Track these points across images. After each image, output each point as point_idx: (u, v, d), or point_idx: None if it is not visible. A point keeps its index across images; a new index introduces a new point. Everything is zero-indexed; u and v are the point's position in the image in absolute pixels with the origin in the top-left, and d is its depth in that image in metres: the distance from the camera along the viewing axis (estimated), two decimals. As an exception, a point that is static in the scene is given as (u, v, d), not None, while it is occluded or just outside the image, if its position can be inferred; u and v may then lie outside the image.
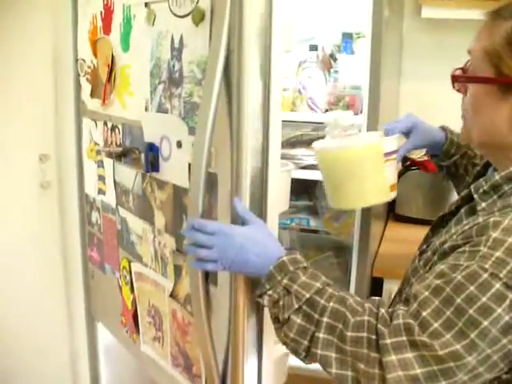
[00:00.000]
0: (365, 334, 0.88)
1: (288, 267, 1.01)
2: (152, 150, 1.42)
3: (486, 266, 0.83)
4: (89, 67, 1.70)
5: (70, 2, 1.70)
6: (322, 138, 1.58)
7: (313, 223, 2.30)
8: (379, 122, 1.64)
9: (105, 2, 1.55)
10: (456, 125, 1.17)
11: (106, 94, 1.58)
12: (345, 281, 1.97)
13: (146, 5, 1.38)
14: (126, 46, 1.50)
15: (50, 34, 1.75)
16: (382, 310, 0.91)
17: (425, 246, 1.14)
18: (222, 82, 1.14)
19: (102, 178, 1.73)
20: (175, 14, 1.28)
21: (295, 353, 0.99)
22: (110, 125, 1.63)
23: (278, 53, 1.21)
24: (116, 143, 1.61)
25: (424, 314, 0.85)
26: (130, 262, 1.64)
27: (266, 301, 1.02)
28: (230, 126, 1.18)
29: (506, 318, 0.81)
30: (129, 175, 1.57)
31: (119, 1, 1.50)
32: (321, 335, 0.92)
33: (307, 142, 1.94)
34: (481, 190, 1.01)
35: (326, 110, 2.09)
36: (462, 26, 1.74)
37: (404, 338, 0.85)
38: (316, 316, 0.93)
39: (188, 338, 1.44)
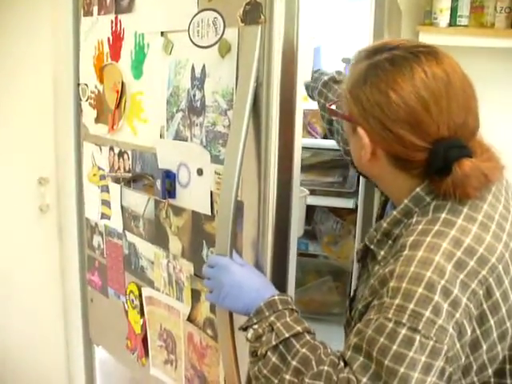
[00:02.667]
0: (321, 383, 0.90)
1: (277, 305, 1.04)
2: (169, 176, 1.44)
3: (389, 316, 0.86)
4: (92, 92, 1.70)
5: (71, 26, 1.70)
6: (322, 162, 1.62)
7: (311, 248, 2.34)
8: None
9: (113, 28, 1.56)
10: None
11: (114, 120, 1.58)
12: (343, 305, 2.01)
13: (162, 34, 1.40)
14: (137, 73, 1.51)
15: (50, 59, 1.74)
16: (342, 364, 0.92)
17: (353, 293, 1.20)
18: (251, 114, 1.18)
19: (106, 203, 1.73)
20: (197, 45, 1.30)
21: None
22: (117, 150, 1.64)
23: (301, 85, 1.26)
24: (124, 169, 1.61)
25: (353, 369, 0.88)
26: (139, 287, 1.64)
27: (250, 334, 1.04)
28: (258, 157, 1.22)
29: (422, 358, 0.84)
30: (139, 200, 1.58)
31: (130, 28, 1.51)
32: (287, 377, 0.94)
33: (306, 168, 1.98)
34: (375, 241, 1.04)
35: (325, 135, 2.13)
36: (457, 52, 1.81)
37: None
38: (288, 358, 0.95)
39: (205, 361, 1.47)
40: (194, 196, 1.39)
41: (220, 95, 1.28)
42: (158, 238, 1.54)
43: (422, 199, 0.98)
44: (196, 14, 1.28)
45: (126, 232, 1.67)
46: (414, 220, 0.97)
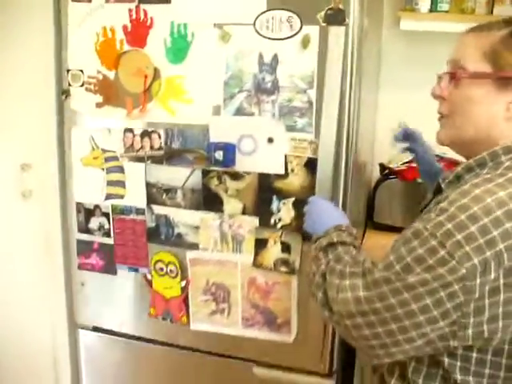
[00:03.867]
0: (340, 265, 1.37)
1: (342, 228, 1.49)
2: (227, 148, 2.19)
3: (428, 227, 1.14)
4: (93, 77, 2.20)
5: (51, 11, 2.14)
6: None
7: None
8: (359, 132, 2.14)
9: (133, 16, 2.11)
10: (433, 133, 1.46)
11: (143, 103, 2.18)
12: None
13: (215, 25, 2.09)
14: (176, 58, 2.05)
15: (31, 45, 2.15)
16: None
17: None
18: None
19: (117, 183, 2.30)
20: (266, 37, 2.04)
21: (314, 283, 1.43)
22: (138, 131, 2.24)
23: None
24: (152, 147, 2.24)
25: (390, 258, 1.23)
26: (174, 254, 2.34)
27: (316, 244, 1.51)
28: (339, 124, 2.08)
29: (439, 270, 1.11)
30: (176, 174, 2.25)
31: (160, 17, 2.09)
32: (322, 266, 1.42)
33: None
34: (447, 181, 1.32)
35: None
36: (438, 38, 2.22)
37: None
38: (329, 254, 1.43)
39: (272, 296, 2.30)
40: (262, 161, 1.97)
41: (298, 78, 2.06)
42: (207, 203, 2.12)
43: (498, 156, 1.24)
44: (263, 12, 2.02)
45: (153, 206, 2.19)
46: (485, 171, 1.23)
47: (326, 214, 1.62)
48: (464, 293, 1.10)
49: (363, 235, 2.56)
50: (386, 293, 1.18)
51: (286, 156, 1.90)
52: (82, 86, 2.01)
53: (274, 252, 2.00)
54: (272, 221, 2.03)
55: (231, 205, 2.00)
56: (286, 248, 2.04)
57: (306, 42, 1.81)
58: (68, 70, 2.01)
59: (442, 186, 1.34)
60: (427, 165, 1.90)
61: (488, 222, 1.09)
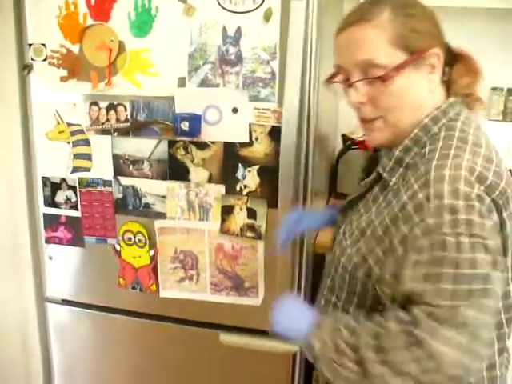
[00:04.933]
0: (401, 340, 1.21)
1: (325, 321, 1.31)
2: (193, 119, 2.30)
3: (447, 231, 1.13)
4: (56, 52, 2.26)
5: None
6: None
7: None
8: (322, 101, 2.15)
9: None
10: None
11: (109, 76, 2.26)
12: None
13: None
14: (140, 32, 2.16)
15: None
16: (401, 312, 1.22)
17: (342, 231, 1.46)
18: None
19: (83, 156, 2.38)
20: (230, 10, 2.14)
21: None
22: (104, 104, 2.32)
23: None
24: (118, 119, 2.32)
25: (427, 300, 1.16)
26: (141, 224, 2.43)
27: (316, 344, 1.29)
28: (301, 94, 2.21)
29: (488, 257, 1.14)
30: (143, 146, 2.34)
31: None
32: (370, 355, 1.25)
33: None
34: (387, 169, 1.33)
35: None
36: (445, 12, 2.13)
37: None
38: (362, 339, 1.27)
39: (239, 261, 2.45)
40: (227, 130, 2.15)
41: (261, 49, 2.17)
42: (173, 173, 2.25)
43: (429, 127, 1.28)
44: (227, -15, 2.09)
45: (120, 177, 2.28)
46: (427, 149, 1.25)
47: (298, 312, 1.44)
48: (502, 259, 1.20)
49: (326, 205, 2.67)
50: (476, 315, 1.14)
51: (250, 125, 2.02)
52: (45, 60, 2.08)
53: (240, 218, 2.13)
54: (238, 188, 2.16)
55: (197, 174, 2.11)
56: (251, 214, 2.17)
57: (268, 15, 1.94)
58: (30, 45, 2.06)
59: (384, 174, 1.37)
60: (325, 220, 1.85)
61: (478, 192, 1.16)
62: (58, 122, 2.13)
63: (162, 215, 2.19)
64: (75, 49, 2.07)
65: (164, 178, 2.15)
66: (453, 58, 1.36)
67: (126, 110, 2.09)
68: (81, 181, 2.20)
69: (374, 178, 1.42)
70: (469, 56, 1.38)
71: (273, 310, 1.42)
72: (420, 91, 1.30)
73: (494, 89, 3.01)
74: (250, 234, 2.13)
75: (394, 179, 1.33)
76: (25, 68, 2.09)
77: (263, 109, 2.01)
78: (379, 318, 1.23)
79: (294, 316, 1.40)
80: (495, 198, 1.17)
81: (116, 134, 2.12)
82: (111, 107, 2.10)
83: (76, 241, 2.28)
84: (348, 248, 1.39)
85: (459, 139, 1.24)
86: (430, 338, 1.12)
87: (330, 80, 1.41)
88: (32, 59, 2.09)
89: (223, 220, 2.15)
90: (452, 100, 1.33)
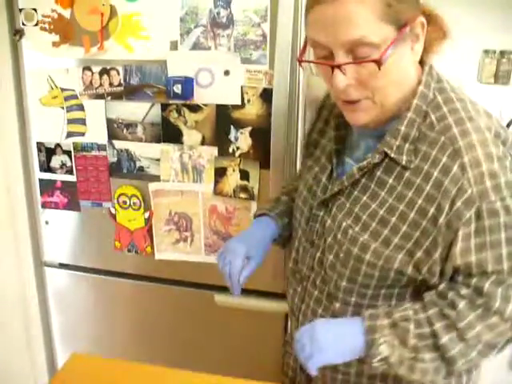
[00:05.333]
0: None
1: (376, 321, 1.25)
2: (185, 82, 2.34)
3: (493, 198, 1.15)
4: (47, 16, 2.29)
5: None
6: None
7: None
8: None
9: None
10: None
11: (101, 40, 2.29)
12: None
13: None
14: None
15: None
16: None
17: (340, 227, 1.33)
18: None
19: (77, 121, 2.43)
20: None
21: None
22: (97, 69, 2.36)
23: None
24: (111, 84, 2.36)
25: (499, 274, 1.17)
26: (136, 187, 2.49)
27: (384, 350, 1.21)
28: (292, 55, 2.26)
29: None
30: (136, 109, 2.38)
31: None
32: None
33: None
34: (394, 148, 1.23)
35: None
36: None
37: None
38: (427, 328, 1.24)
39: (232, 222, 2.51)
40: (219, 92, 2.22)
41: (252, 12, 2.21)
42: (167, 136, 2.29)
43: (426, 95, 1.23)
44: None
45: (114, 141, 2.34)
46: (434, 118, 1.21)
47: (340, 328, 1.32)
48: None
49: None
50: None
51: (242, 87, 2.06)
52: (37, 25, 2.11)
53: (233, 180, 2.18)
54: (230, 150, 2.21)
55: (190, 136, 2.16)
56: (244, 175, 2.23)
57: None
58: (21, 10, 2.09)
59: (393, 155, 1.26)
60: (267, 245, 1.67)
61: (503, 150, 1.20)
62: (52, 88, 2.18)
63: (156, 178, 2.24)
64: (66, 13, 2.10)
65: (158, 141, 2.20)
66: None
67: (118, 74, 2.13)
68: (75, 145, 2.25)
69: (362, 166, 1.29)
70: (439, 16, 1.28)
71: (303, 343, 1.28)
72: (406, 65, 1.22)
73: (486, 51, 2.91)
74: (243, 195, 2.18)
75: (404, 157, 1.23)
76: (16, 33, 2.13)
77: (255, 71, 2.05)
78: (432, 299, 1.24)
79: (339, 334, 1.28)
80: (509, 150, 1.19)
81: (109, 98, 2.16)
82: (104, 72, 2.14)
83: (72, 205, 2.33)
84: (371, 243, 1.27)
85: (458, 100, 1.23)
86: (502, 303, 1.16)
87: (303, 57, 1.27)
88: (23, 24, 2.12)
89: (216, 182, 2.20)
90: (431, 63, 1.29)
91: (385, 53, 1.11)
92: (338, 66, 1.15)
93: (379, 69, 1.12)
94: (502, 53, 2.94)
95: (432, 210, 1.18)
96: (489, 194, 1.12)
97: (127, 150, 2.22)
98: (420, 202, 1.19)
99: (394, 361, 1.21)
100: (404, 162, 1.22)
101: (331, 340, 1.25)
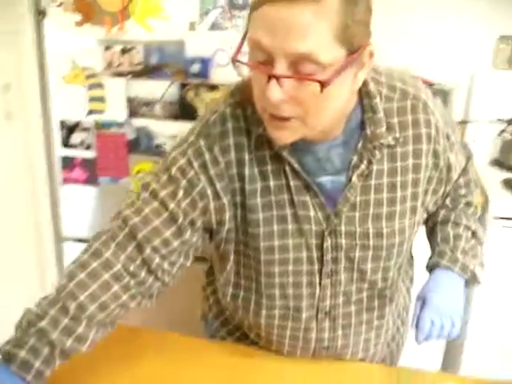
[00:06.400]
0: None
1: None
2: (203, 61, 2.45)
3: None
4: None
5: None
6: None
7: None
8: None
9: None
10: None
11: (121, 20, 2.41)
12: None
13: None
14: None
15: None
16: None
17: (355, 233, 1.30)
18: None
19: (98, 99, 2.56)
20: None
21: None
22: (117, 48, 2.47)
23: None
24: (131, 63, 2.48)
25: None
26: (154, 164, 2.60)
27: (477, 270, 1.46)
28: None
29: None
30: (155, 88, 2.50)
31: None
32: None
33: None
34: (384, 133, 1.24)
35: None
36: None
37: None
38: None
39: None
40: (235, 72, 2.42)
41: None
42: (184, 114, 2.42)
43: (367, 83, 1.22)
44: None
45: (133, 119, 2.49)
46: (386, 92, 1.28)
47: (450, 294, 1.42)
48: None
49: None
50: None
51: (257, 67, 2.15)
52: (60, 5, 2.20)
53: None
54: (246, 128, 2.23)
55: (208, 114, 2.26)
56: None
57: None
58: (45, -9, 2.20)
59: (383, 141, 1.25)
60: None
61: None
62: (74, 67, 2.28)
63: (173, 154, 2.34)
64: (92, -6, 2.17)
65: (175, 119, 2.29)
66: None
67: (138, 53, 2.22)
68: (96, 123, 2.35)
69: (354, 163, 1.25)
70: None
71: (436, 323, 1.35)
72: (346, 91, 1.11)
73: (502, 37, 2.99)
74: (257, 173, 2.28)
75: (389, 137, 1.24)
76: (40, 13, 2.22)
77: (270, 51, 2.13)
78: (459, 214, 1.52)
79: (449, 291, 1.43)
80: None
81: (129, 76, 2.25)
82: (125, 51, 2.24)
83: (91, 181, 2.44)
84: (394, 226, 1.32)
85: (384, 70, 1.33)
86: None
87: (236, 57, 1.09)
88: (47, 5, 2.22)
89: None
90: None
91: (334, 75, 1.00)
92: (277, 77, 1.01)
93: (321, 91, 1.01)
94: (517, 38, 2.85)
95: (433, 160, 1.32)
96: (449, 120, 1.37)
97: (145, 128, 2.32)
98: (423, 160, 1.28)
99: (481, 269, 1.46)
100: (392, 141, 1.24)
101: (449, 300, 1.38)
